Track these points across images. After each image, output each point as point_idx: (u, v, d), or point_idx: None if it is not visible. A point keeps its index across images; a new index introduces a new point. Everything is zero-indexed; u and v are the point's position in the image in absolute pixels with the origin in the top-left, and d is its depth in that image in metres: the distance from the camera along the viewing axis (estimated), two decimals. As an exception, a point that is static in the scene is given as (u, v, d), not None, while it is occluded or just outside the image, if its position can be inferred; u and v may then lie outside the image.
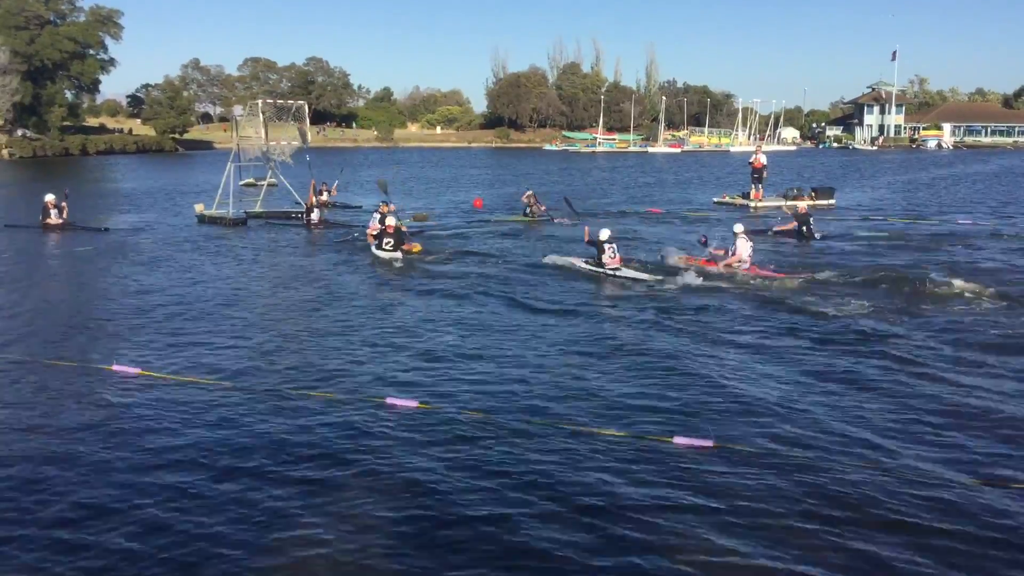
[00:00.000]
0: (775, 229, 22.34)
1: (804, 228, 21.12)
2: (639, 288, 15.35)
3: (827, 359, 10.74)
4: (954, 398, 9.25)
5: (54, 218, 24.24)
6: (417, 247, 19.41)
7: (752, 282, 15.76)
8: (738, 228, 17.31)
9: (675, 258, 17.75)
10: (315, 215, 25.31)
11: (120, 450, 7.89)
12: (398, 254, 18.62)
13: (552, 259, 18.12)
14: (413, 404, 9.00)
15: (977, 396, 9.33)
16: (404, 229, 19.92)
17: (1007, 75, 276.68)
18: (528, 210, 26.33)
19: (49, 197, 24.62)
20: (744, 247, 16.86)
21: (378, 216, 20.09)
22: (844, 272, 16.27)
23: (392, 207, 20.99)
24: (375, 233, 19.77)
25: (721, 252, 17.19)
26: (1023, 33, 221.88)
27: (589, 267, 16.93)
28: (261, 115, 27.20)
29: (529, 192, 27.37)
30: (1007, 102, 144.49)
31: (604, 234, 16.92)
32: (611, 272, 16.48)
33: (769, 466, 7.44)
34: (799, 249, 20.23)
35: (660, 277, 16.12)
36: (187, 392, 9.52)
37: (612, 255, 16.66)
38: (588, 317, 13.30)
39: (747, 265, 16.67)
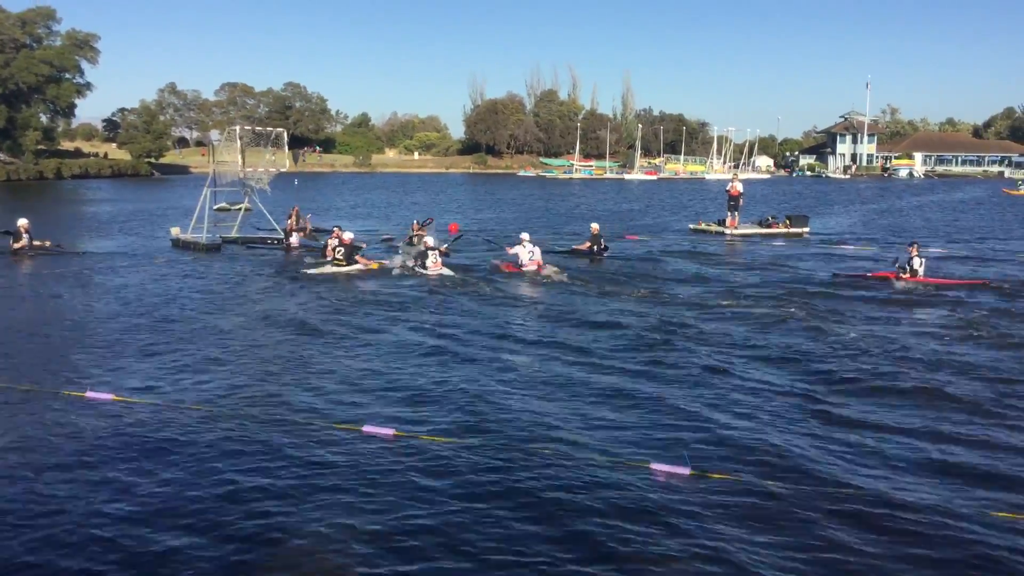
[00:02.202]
0: (573, 247, 24.77)
1: (595, 247, 23.66)
2: (620, 310, 15.44)
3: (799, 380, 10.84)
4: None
5: (24, 242, 23.97)
6: (375, 264, 21.42)
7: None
8: (523, 236, 21.10)
9: (496, 264, 21.53)
10: (294, 239, 25.35)
11: (93, 476, 7.78)
12: (348, 268, 20.48)
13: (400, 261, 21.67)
14: (390, 432, 8.97)
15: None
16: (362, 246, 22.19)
17: (977, 106, 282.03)
18: (411, 238, 25.92)
19: (22, 221, 24.37)
20: (522, 252, 20.60)
21: (335, 241, 21.18)
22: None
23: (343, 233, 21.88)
24: (330, 247, 21.21)
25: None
26: (992, 65, 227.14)
27: (419, 269, 20.40)
28: (239, 141, 27.12)
29: (416, 223, 27.35)
30: (977, 132, 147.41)
31: (431, 242, 20.93)
32: (430, 273, 20.00)
33: (746, 494, 7.48)
34: (588, 262, 23.06)
35: (461, 275, 20.03)
36: (161, 418, 9.41)
37: (434, 260, 20.30)
38: (560, 341, 13.29)
39: (533, 268, 20.42)
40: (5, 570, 6.16)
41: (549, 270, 20.49)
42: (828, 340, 13.43)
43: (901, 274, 19.32)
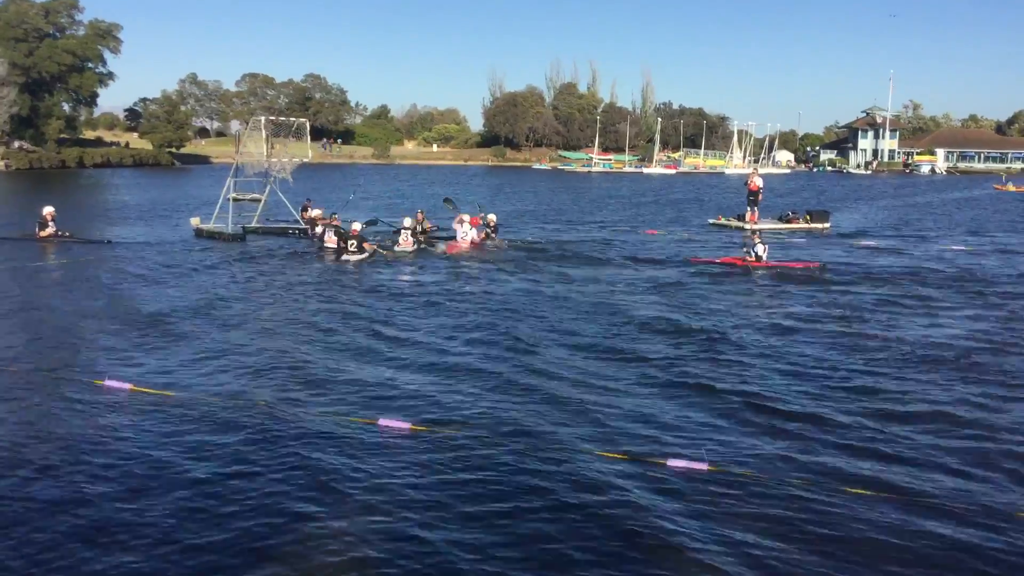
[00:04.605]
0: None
1: (493, 233, 25.48)
2: (637, 300, 15.42)
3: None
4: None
5: (50, 230, 24.19)
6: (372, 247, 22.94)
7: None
8: (464, 217, 24.40)
9: (442, 246, 24.04)
10: (320, 230, 25.47)
11: (105, 465, 7.86)
12: (363, 255, 21.62)
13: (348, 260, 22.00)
14: (405, 426, 8.98)
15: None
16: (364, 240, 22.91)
17: (1000, 102, 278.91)
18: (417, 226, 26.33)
19: (48, 209, 24.58)
20: (459, 230, 23.99)
21: (332, 231, 22.81)
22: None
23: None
24: (336, 244, 22.15)
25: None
26: (1016, 61, 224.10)
27: (387, 250, 22.85)
28: (264, 131, 27.19)
29: (420, 212, 27.87)
30: (1000, 128, 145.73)
31: (407, 223, 24.20)
32: (403, 251, 22.86)
33: (766, 490, 7.44)
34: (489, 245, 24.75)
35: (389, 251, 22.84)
36: (177, 408, 9.47)
37: (404, 238, 23.29)
38: (578, 333, 13.32)
39: (466, 246, 23.55)
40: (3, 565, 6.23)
41: (495, 243, 24.47)
42: (854, 342, 13.37)
43: (747, 259, 21.24)
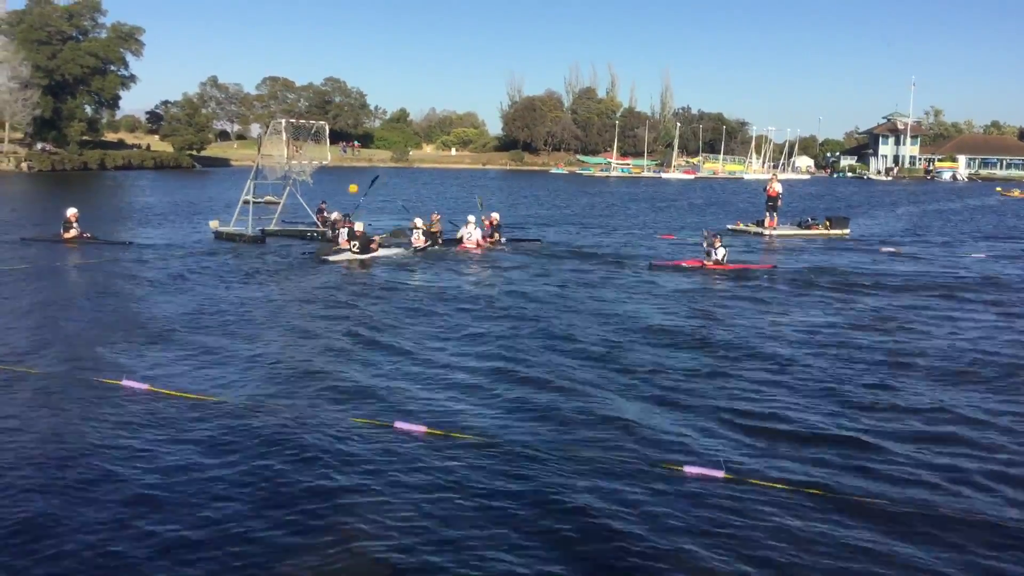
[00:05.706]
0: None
1: (497, 234, 26.20)
2: (644, 305, 15.41)
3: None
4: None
5: (74, 232, 24.39)
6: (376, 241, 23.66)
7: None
8: (470, 218, 25.91)
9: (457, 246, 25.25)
10: (343, 233, 25.63)
11: (120, 464, 7.89)
12: (366, 255, 22.26)
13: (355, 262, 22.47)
14: (421, 429, 8.98)
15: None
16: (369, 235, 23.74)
17: (1023, 108, 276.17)
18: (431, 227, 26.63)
19: (71, 211, 24.78)
20: (464, 231, 25.39)
21: (345, 231, 23.52)
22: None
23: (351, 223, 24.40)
24: (345, 243, 22.98)
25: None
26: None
27: (405, 246, 24.13)
28: (284, 134, 27.33)
29: (435, 214, 28.20)
30: (1023, 135, 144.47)
31: (419, 223, 24.95)
32: (417, 248, 23.90)
33: (780, 499, 7.39)
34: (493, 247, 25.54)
35: (405, 249, 23.89)
36: (193, 410, 9.50)
37: (416, 236, 24.30)
38: (582, 338, 13.24)
39: (472, 246, 24.77)
40: (29, 551, 6.27)
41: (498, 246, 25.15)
42: (872, 336, 13.28)
43: (706, 261, 21.72)
